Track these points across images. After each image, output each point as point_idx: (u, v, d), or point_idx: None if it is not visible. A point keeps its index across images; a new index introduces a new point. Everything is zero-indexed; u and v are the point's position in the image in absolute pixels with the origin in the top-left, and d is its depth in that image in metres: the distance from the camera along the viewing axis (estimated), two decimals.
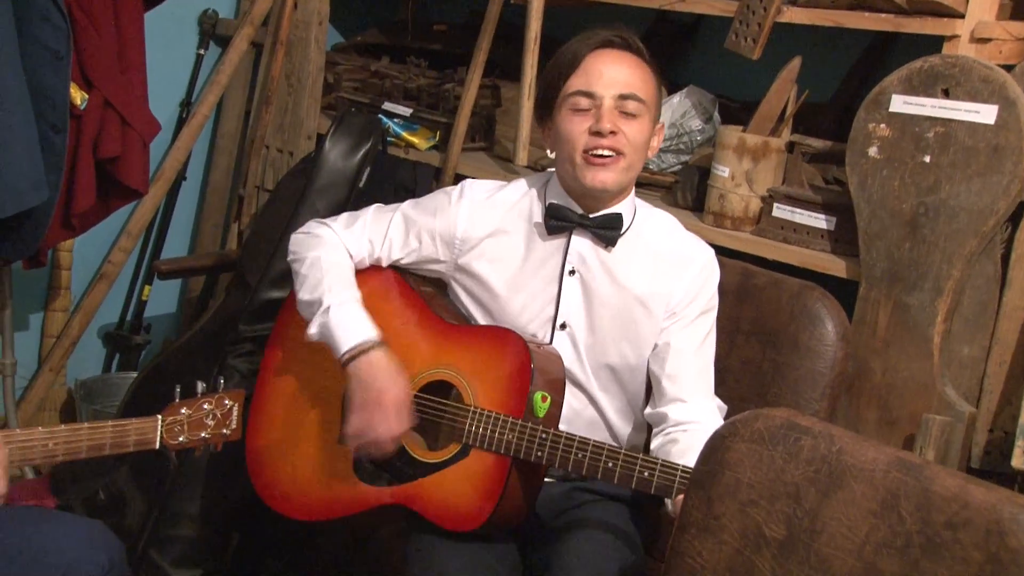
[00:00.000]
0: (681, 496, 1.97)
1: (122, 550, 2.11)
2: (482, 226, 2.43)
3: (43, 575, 1.98)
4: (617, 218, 2.33)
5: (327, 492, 2.41)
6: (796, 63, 2.64)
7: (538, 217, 2.39)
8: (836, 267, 2.52)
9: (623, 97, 2.26)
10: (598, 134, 2.24)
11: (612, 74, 2.27)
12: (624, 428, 2.39)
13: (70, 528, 2.07)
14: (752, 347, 2.42)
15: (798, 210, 2.60)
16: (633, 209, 2.38)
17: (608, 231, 2.33)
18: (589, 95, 2.26)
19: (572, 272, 2.36)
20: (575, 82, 2.28)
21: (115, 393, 3.48)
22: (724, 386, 2.38)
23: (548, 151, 2.40)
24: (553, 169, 2.40)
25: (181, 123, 3.64)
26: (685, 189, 2.85)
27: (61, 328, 3.56)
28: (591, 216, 2.34)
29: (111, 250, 3.56)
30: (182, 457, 2.38)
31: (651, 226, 2.39)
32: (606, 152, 2.25)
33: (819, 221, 2.57)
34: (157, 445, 2.17)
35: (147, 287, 3.69)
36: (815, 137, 2.68)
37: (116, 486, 2.92)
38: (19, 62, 2.67)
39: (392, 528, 2.34)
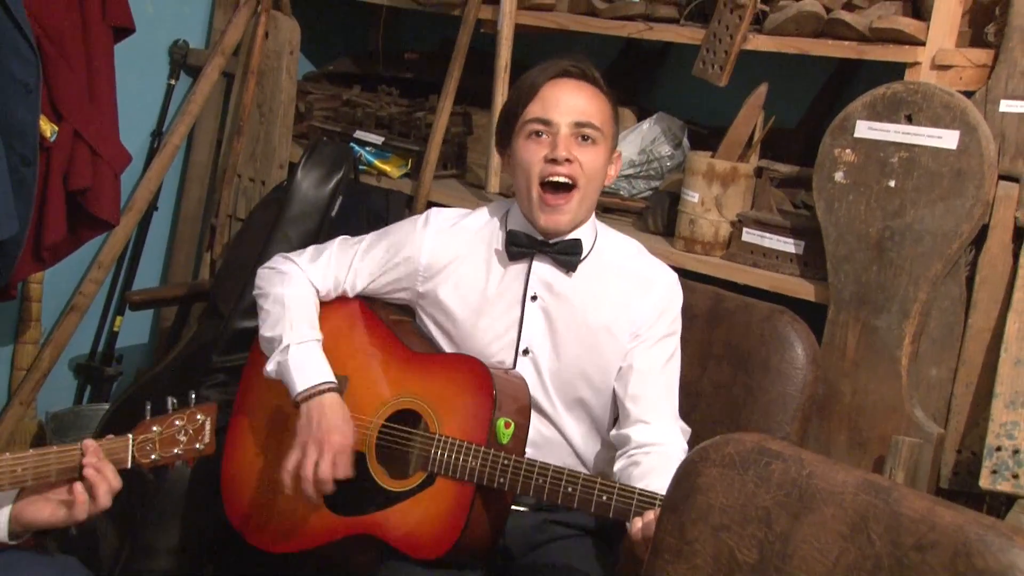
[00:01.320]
0: (637, 518, 2.00)
1: None
2: (446, 253, 2.44)
3: None
4: (576, 244, 2.36)
5: (298, 523, 2.40)
6: (763, 89, 2.68)
7: (500, 243, 2.41)
8: (805, 291, 2.54)
9: (579, 125, 2.29)
10: (554, 161, 2.26)
11: (569, 102, 2.30)
12: (590, 452, 2.40)
13: (42, 569, 2.05)
14: (723, 371, 2.43)
15: (767, 235, 2.62)
16: (594, 234, 2.40)
17: (568, 256, 2.35)
18: (546, 122, 2.29)
19: (534, 298, 2.37)
20: (532, 109, 2.31)
21: (87, 425, 3.42)
22: (696, 410, 2.40)
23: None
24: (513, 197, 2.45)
25: (152, 153, 3.62)
26: (656, 214, 2.87)
27: (31, 360, 3.53)
28: (550, 242, 2.36)
29: (82, 281, 3.53)
30: (156, 478, 2.36)
31: (612, 250, 2.42)
32: (561, 179, 2.27)
33: (788, 245, 2.60)
34: (129, 464, 2.13)
35: (119, 318, 3.67)
36: (783, 162, 2.72)
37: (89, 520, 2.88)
38: None
39: (365, 558, 2.32)
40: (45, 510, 2.02)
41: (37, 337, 3.55)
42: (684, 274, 2.49)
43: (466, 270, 2.43)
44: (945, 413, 2.39)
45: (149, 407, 2.20)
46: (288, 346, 2.35)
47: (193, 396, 2.25)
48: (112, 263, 3.57)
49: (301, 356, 2.36)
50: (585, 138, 2.30)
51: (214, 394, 2.92)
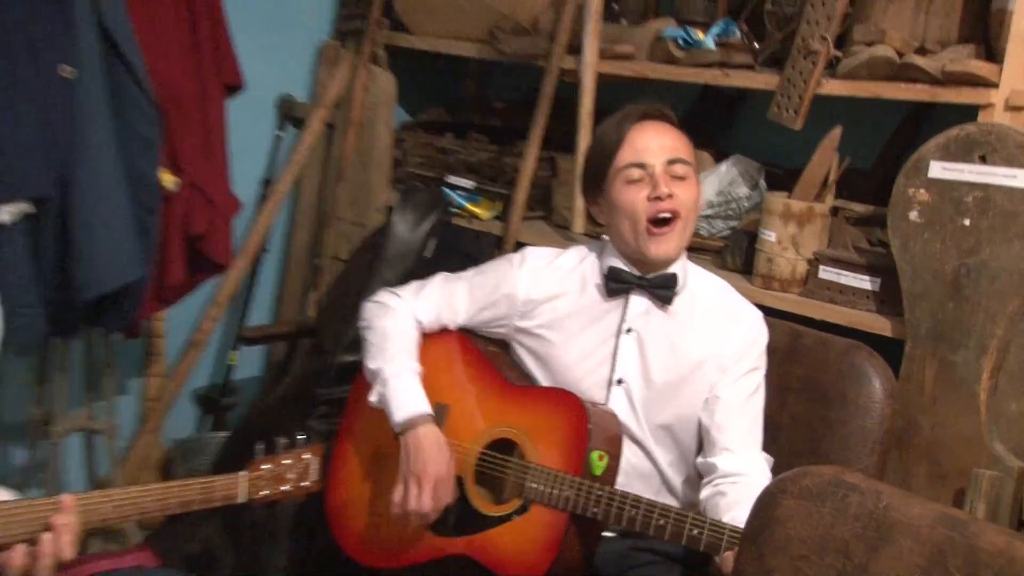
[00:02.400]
0: (728, 553, 1.99)
1: None
2: (542, 290, 2.45)
3: None
4: (672, 278, 2.35)
5: (402, 543, 2.41)
6: (837, 132, 2.64)
7: (596, 280, 2.41)
8: (882, 326, 2.48)
9: (671, 162, 2.30)
10: (657, 199, 2.27)
11: (657, 143, 2.32)
12: (677, 479, 2.38)
13: None
14: (802, 404, 2.39)
15: (843, 272, 2.57)
16: (685, 270, 2.39)
17: (665, 290, 2.35)
18: (641, 166, 2.30)
19: (629, 330, 2.37)
20: (624, 156, 2.32)
21: (208, 451, 3.50)
22: (776, 443, 2.36)
23: (600, 222, 2.46)
24: (607, 236, 2.44)
25: (262, 199, 3.70)
26: (734, 253, 2.84)
27: (158, 392, 3.60)
28: (648, 277, 2.36)
29: (201, 319, 3.60)
30: (267, 509, 2.34)
31: (702, 286, 2.42)
32: (666, 215, 2.28)
33: (864, 282, 2.54)
34: (241, 499, 2.15)
35: (234, 352, 3.73)
36: (858, 202, 2.68)
37: (210, 542, 2.93)
38: (116, 150, 2.76)
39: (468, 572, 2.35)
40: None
41: (162, 371, 3.62)
42: (762, 310, 2.46)
43: (562, 306, 2.43)
44: None
45: (261, 447, 2.22)
46: (388, 378, 2.37)
47: (300, 437, 2.28)
48: (227, 302, 3.64)
49: (400, 387, 2.36)
50: (678, 176, 2.31)
51: (319, 424, 2.96)
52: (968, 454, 2.31)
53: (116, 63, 2.75)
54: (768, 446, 2.32)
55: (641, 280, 2.36)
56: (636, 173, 2.30)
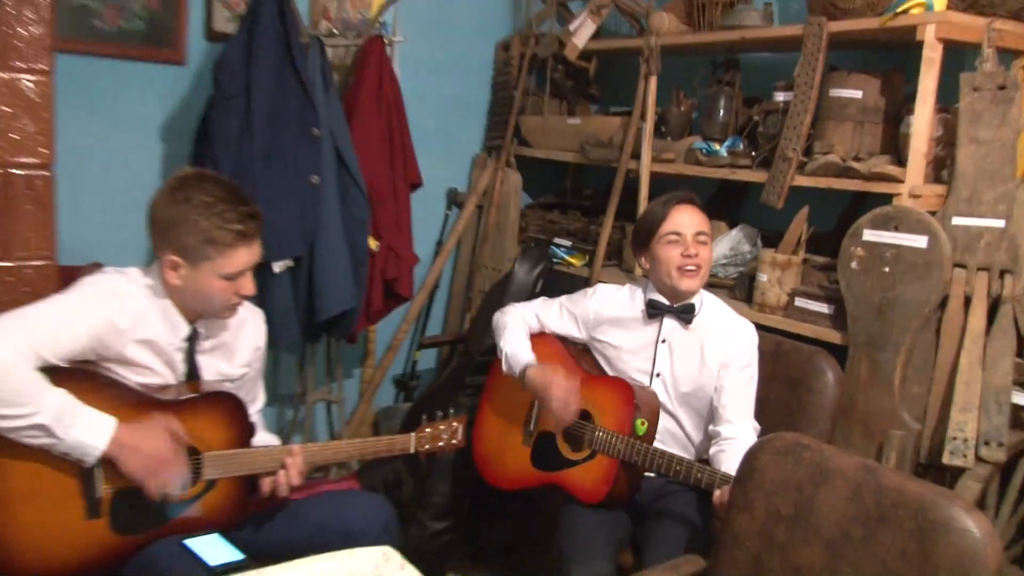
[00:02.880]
0: (719, 489, 1.99)
1: (394, 514, 2.06)
2: (606, 311, 2.44)
3: (345, 529, 1.95)
4: (691, 307, 2.35)
5: (516, 472, 2.42)
6: (805, 210, 2.64)
7: (641, 307, 2.39)
8: (834, 337, 2.48)
9: (698, 233, 2.32)
10: (688, 256, 2.29)
11: (689, 220, 2.32)
12: (697, 438, 2.36)
13: (362, 500, 2.07)
14: (782, 390, 2.40)
15: (811, 301, 2.57)
16: (701, 301, 2.38)
17: (686, 315, 2.34)
18: (678, 234, 2.31)
19: (663, 341, 2.35)
20: (666, 227, 2.32)
21: (400, 416, 3.48)
22: (764, 415, 2.35)
23: (643, 268, 2.43)
24: (648, 279, 2.42)
25: (436, 255, 3.68)
26: (741, 288, 2.82)
27: (370, 377, 3.62)
28: (675, 307, 2.35)
29: (396, 331, 3.60)
30: (430, 458, 2.31)
31: (711, 309, 2.39)
32: (691, 267, 2.29)
33: (824, 308, 2.54)
34: (412, 451, 2.16)
35: (418, 352, 3.68)
36: (821, 255, 2.66)
37: (396, 474, 2.92)
38: (342, 226, 2.87)
39: (554, 499, 2.35)
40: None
41: (373, 363, 3.65)
42: (757, 326, 2.44)
43: (619, 323, 2.41)
44: (923, 415, 2.32)
45: (425, 417, 2.23)
46: (511, 349, 2.40)
47: (452, 411, 2.26)
48: (413, 320, 3.65)
49: (519, 352, 2.39)
50: (701, 242, 2.31)
51: (467, 401, 2.97)
52: (886, 421, 2.33)
53: (343, 171, 2.84)
54: (759, 416, 2.30)
55: (671, 308, 2.34)
56: (674, 238, 2.30)
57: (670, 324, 2.37)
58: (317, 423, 3.54)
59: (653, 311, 2.37)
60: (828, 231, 2.82)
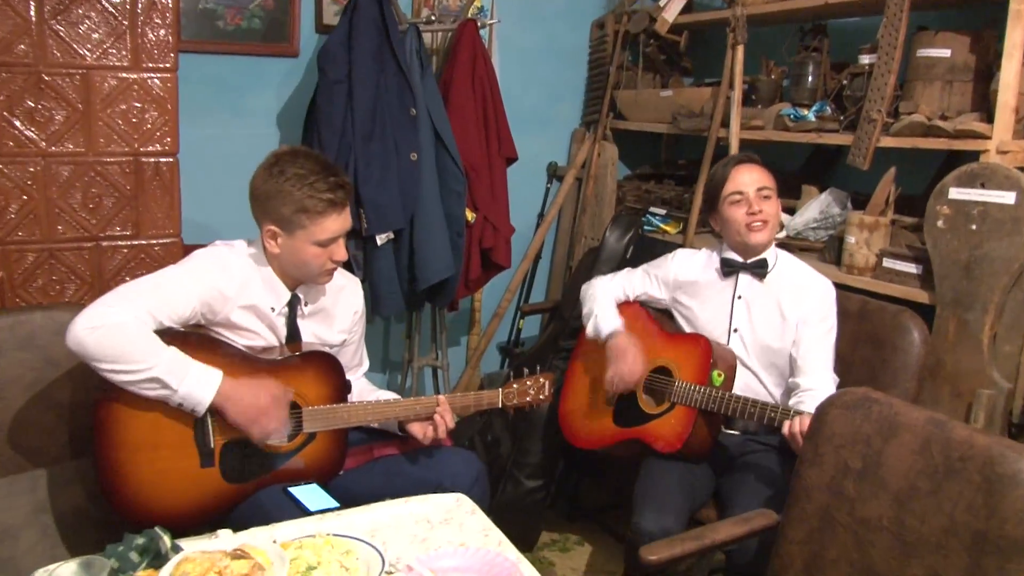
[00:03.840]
0: (787, 423, 1.99)
1: (484, 469, 2.06)
2: (686, 273, 2.46)
3: (436, 483, 1.97)
4: (764, 262, 2.35)
5: (600, 430, 2.44)
6: (892, 171, 2.59)
7: (716, 266, 2.41)
8: (921, 297, 2.42)
9: (760, 189, 2.30)
10: (752, 213, 2.29)
11: (750, 178, 2.31)
12: (776, 391, 2.35)
13: (454, 456, 2.08)
14: (867, 349, 2.35)
15: (898, 262, 2.52)
16: (775, 256, 2.37)
17: (760, 269, 2.34)
18: (740, 193, 2.30)
19: (739, 297, 2.36)
20: (729, 187, 2.32)
21: (502, 382, 3.30)
22: (851, 374, 2.30)
23: (716, 230, 2.43)
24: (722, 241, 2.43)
25: (538, 226, 3.72)
26: (830, 251, 2.78)
27: (477, 344, 3.71)
28: (748, 263, 2.35)
29: (501, 300, 3.66)
30: (519, 413, 2.30)
31: (786, 265, 2.37)
32: (758, 223, 2.28)
33: (911, 268, 2.49)
34: (499, 405, 2.18)
35: (522, 321, 3.68)
36: (908, 216, 2.61)
37: (494, 432, 2.93)
38: (440, 199, 2.94)
39: (634, 451, 2.36)
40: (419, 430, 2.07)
41: (479, 331, 3.74)
42: (845, 288, 2.41)
43: (698, 283, 2.43)
44: (1015, 374, 2.25)
45: (511, 374, 2.25)
46: (598, 315, 2.45)
47: (539, 368, 2.28)
48: (516, 289, 3.70)
49: (606, 317, 2.43)
50: (765, 196, 2.30)
51: (560, 363, 2.98)
52: (976, 380, 2.28)
53: (440, 148, 2.90)
54: (843, 376, 2.26)
55: (744, 264, 2.35)
56: (737, 197, 2.30)
57: (745, 280, 2.36)
58: (426, 389, 3.63)
59: (728, 269, 2.37)
60: (922, 193, 2.71)
